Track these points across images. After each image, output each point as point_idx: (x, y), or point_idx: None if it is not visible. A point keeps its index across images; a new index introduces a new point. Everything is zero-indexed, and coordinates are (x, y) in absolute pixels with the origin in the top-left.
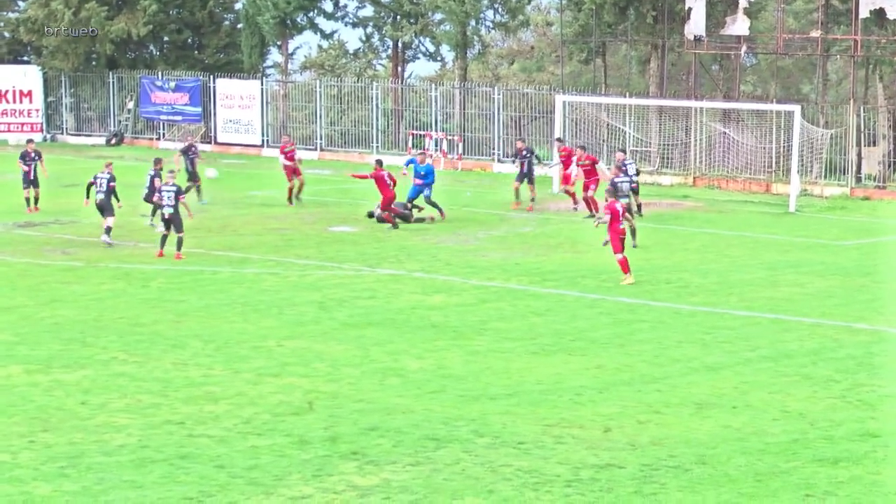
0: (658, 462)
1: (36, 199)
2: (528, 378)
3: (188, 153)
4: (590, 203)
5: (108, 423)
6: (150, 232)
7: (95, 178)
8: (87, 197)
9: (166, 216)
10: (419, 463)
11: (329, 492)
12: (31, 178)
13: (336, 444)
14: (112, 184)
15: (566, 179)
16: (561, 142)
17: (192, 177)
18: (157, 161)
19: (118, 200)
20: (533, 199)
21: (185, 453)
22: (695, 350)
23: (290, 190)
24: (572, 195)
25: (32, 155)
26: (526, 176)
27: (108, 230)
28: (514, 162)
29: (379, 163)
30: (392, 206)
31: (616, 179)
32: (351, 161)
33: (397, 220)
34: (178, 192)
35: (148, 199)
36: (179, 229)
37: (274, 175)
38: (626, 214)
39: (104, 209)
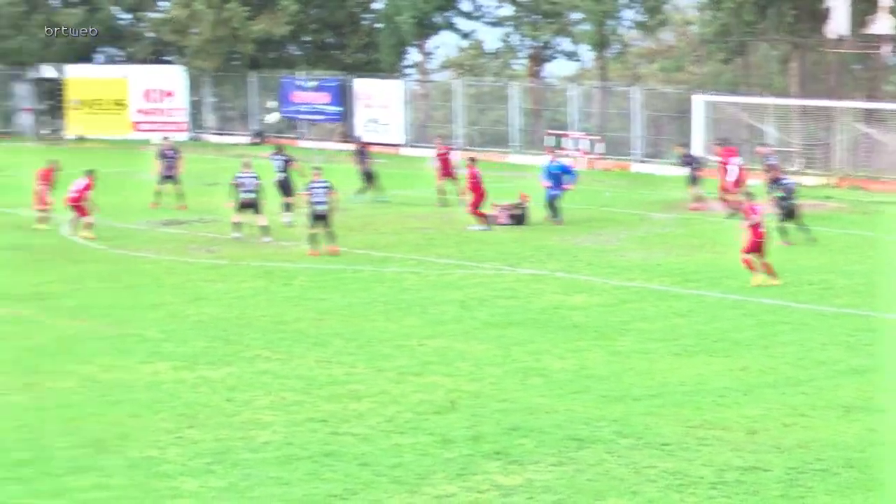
0: (804, 465)
1: (180, 196)
2: (671, 379)
3: (362, 155)
4: (732, 202)
5: (253, 419)
6: (289, 230)
7: (238, 178)
8: (232, 198)
9: (318, 213)
10: (562, 463)
11: (473, 491)
12: (169, 174)
13: (479, 443)
14: (259, 181)
15: (734, 185)
16: (721, 143)
17: (368, 177)
18: (290, 160)
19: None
20: (699, 199)
21: (329, 451)
22: (840, 352)
23: (442, 191)
24: (732, 203)
25: (170, 153)
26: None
27: (266, 229)
28: (684, 165)
29: (472, 160)
30: (500, 204)
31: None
32: (491, 160)
33: (510, 220)
34: (328, 189)
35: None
36: (329, 224)
37: (414, 174)
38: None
39: (254, 206)
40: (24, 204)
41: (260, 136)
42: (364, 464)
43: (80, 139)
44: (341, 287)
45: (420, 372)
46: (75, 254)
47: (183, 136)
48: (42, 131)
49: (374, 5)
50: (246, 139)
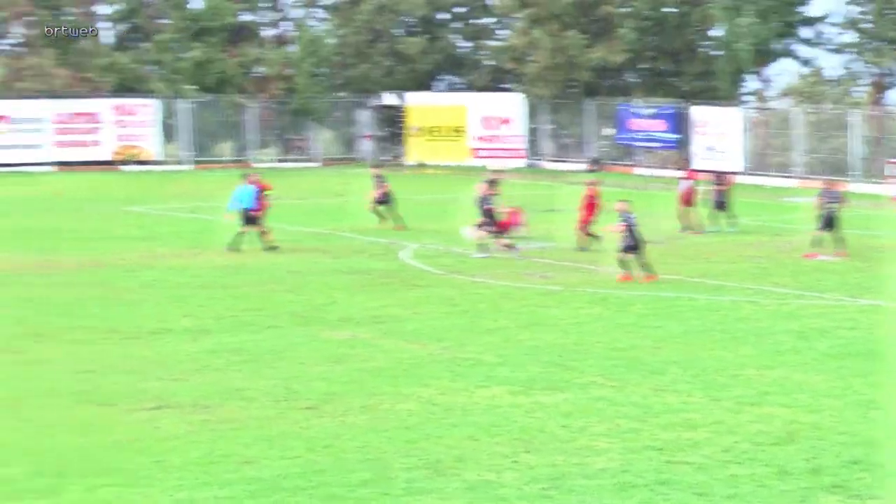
0: None
1: (397, 219)
2: None
3: (719, 183)
4: None
5: (589, 446)
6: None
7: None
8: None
9: (627, 244)
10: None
11: None
12: (382, 199)
13: (818, 475)
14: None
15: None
16: None
17: (720, 206)
18: (492, 183)
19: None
20: None
21: (664, 479)
22: None
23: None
24: None
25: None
26: None
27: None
28: None
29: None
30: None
31: None
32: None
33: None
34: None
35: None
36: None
37: (751, 202)
38: None
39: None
40: (361, 228)
41: (596, 163)
42: (700, 493)
43: (420, 165)
44: (677, 315)
45: (757, 402)
46: (413, 279)
47: (520, 163)
48: (383, 157)
49: (713, 32)
50: (582, 166)
